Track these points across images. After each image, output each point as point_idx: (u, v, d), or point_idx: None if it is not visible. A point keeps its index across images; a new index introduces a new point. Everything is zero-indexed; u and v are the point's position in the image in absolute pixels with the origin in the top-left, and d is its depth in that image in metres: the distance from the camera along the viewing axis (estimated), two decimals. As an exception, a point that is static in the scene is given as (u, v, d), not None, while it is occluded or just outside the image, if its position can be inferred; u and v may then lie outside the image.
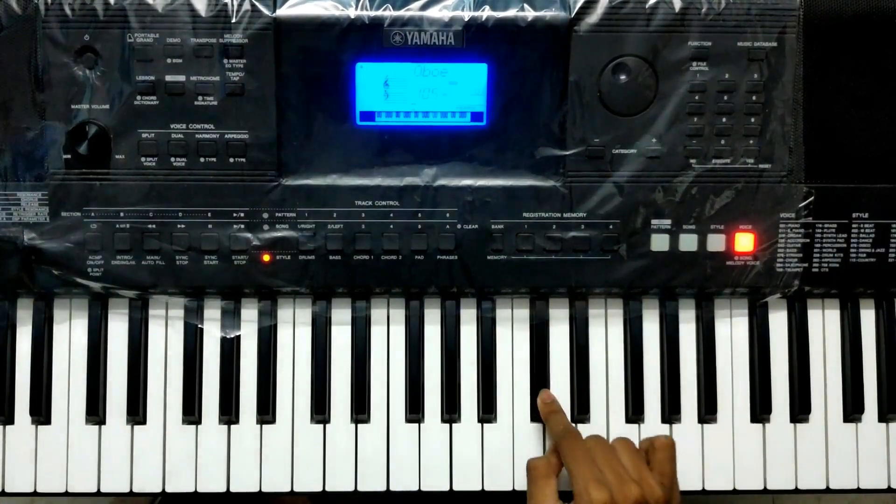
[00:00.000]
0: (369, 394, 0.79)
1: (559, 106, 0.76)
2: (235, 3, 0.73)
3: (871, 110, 0.76)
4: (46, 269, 0.76)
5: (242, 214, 0.76)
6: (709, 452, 0.80)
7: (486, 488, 0.79)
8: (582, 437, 0.73)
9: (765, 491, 0.80)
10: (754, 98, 0.76)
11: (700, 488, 0.80)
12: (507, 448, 0.79)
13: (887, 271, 0.78)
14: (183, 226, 0.76)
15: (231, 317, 0.79)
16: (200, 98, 0.75)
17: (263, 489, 0.78)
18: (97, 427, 0.79)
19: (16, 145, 0.75)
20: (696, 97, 0.76)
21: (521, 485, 0.78)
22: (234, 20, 0.73)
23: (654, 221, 0.77)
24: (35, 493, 0.78)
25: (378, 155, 0.77)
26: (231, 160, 0.75)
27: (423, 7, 0.74)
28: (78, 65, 0.74)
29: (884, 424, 0.81)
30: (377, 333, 0.80)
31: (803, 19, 0.75)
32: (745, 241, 0.77)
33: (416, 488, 0.79)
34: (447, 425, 0.79)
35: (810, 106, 0.76)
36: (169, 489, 0.78)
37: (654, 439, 0.74)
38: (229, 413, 0.78)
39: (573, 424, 0.78)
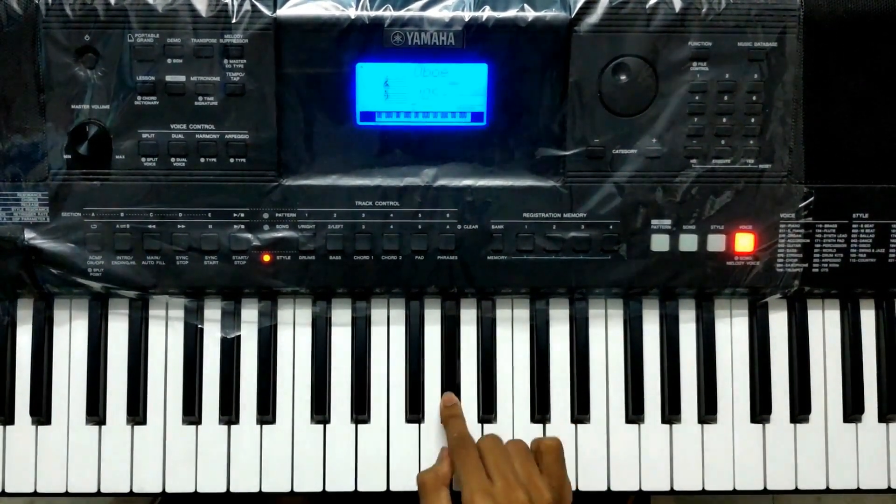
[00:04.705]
0: (369, 394, 0.79)
1: (559, 106, 0.76)
2: (236, 4, 0.73)
3: (871, 110, 0.76)
4: (47, 268, 0.76)
5: (242, 214, 0.76)
6: (709, 452, 0.80)
7: (487, 488, 0.79)
8: (474, 445, 0.73)
9: (765, 491, 0.80)
10: (754, 98, 0.76)
11: (700, 488, 0.80)
12: (507, 448, 0.79)
13: (887, 271, 0.78)
14: (183, 226, 0.76)
15: (231, 317, 0.79)
16: (200, 98, 0.75)
17: (263, 489, 0.78)
18: (97, 427, 0.79)
19: (16, 145, 0.75)
20: (697, 97, 0.76)
21: (522, 485, 0.78)
22: (234, 20, 0.73)
23: (654, 221, 0.77)
24: (35, 494, 0.78)
25: (378, 155, 0.77)
26: (231, 160, 0.75)
27: (424, 7, 0.74)
28: (78, 65, 0.74)
29: (884, 424, 0.81)
30: (377, 333, 0.80)
31: (803, 19, 0.75)
32: (745, 242, 0.77)
33: (416, 489, 0.78)
34: (447, 425, 0.80)
35: (810, 106, 0.76)
36: (169, 489, 0.78)
37: (541, 441, 0.74)
38: (229, 413, 0.78)
39: (468, 430, 0.76)
